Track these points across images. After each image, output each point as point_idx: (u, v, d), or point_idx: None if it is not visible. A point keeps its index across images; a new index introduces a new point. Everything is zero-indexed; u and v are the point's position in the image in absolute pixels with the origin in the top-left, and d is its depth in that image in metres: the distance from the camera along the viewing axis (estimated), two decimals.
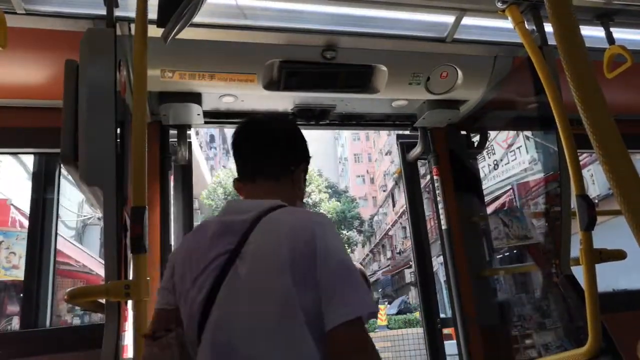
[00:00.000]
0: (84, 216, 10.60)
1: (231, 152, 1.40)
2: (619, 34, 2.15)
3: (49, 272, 2.26)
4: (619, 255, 1.79)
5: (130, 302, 1.44)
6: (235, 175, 1.38)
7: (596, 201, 7.41)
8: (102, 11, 1.66)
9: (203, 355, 1.11)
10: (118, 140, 1.56)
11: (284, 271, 1.07)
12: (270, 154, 1.35)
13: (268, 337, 1.06)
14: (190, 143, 2.48)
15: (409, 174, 2.94)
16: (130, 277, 1.44)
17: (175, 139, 2.45)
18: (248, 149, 1.36)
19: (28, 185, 2.42)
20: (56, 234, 2.36)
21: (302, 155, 1.39)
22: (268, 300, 1.08)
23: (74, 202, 9.85)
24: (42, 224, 2.29)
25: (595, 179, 8.27)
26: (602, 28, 2.14)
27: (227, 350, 1.08)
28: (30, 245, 2.27)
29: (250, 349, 1.06)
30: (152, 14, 1.52)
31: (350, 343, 1.02)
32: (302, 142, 1.41)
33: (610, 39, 2.12)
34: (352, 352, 1.02)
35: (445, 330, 2.69)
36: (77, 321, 8.12)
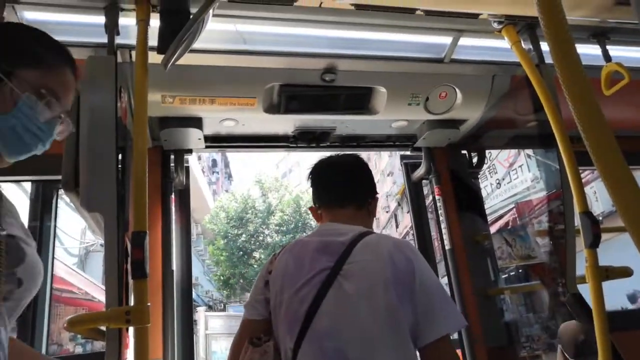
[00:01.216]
0: (87, 243, 10.58)
1: (309, 182, 1.61)
2: (615, 51, 2.16)
3: (45, 301, 2.23)
4: (626, 272, 1.76)
5: (131, 329, 1.42)
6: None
7: (600, 218, 7.35)
8: (103, 39, 1.68)
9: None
10: (119, 166, 1.56)
11: (389, 288, 1.25)
12: (359, 184, 1.57)
13: (379, 344, 1.21)
14: (187, 167, 2.49)
15: (414, 194, 2.93)
16: (132, 304, 1.43)
17: None
18: (340, 178, 1.57)
19: None
20: (53, 261, 2.34)
21: (375, 189, 1.62)
22: (377, 312, 1.24)
23: (76, 228, 9.83)
24: (39, 251, 2.26)
25: (599, 196, 8.22)
26: (598, 46, 2.16)
27: (336, 356, 1.22)
28: None
29: (360, 354, 1.21)
30: (153, 41, 1.55)
31: (445, 355, 1.24)
32: (373, 178, 1.65)
33: (606, 56, 2.13)
34: None
35: None
36: (79, 350, 8.02)
